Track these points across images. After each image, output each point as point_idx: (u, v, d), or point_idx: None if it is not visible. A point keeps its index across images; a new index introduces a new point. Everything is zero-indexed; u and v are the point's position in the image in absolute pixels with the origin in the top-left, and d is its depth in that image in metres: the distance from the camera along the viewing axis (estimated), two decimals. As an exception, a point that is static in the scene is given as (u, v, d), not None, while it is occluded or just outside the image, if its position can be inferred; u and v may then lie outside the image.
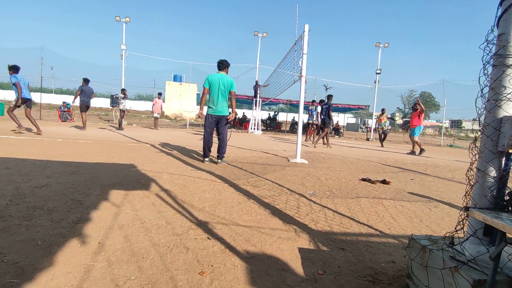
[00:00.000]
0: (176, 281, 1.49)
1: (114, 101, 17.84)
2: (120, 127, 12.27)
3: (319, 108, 11.05)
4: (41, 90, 16.34)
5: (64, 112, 15.55)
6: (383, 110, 13.44)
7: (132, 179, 3.45)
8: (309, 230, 2.29)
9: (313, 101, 13.73)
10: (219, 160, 4.98)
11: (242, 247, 1.93)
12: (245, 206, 2.77)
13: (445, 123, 22.79)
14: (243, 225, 2.30)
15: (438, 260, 1.42)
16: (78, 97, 9.98)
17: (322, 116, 10.45)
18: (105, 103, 36.01)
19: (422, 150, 9.39)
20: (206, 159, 5.06)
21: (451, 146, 16.96)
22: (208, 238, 2.02)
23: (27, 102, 8.16)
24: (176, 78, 31.14)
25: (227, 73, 5.16)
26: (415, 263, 1.57)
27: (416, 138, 9.69)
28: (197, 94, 30.26)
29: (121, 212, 2.36)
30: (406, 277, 1.67)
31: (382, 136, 12.97)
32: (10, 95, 38.09)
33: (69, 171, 3.61)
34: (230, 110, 5.12)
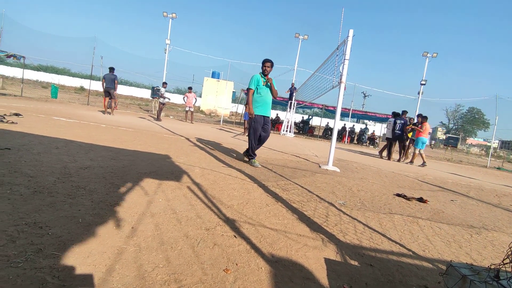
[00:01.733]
0: (201, 274, 1.52)
1: (155, 92, 18.71)
2: (158, 118, 12.83)
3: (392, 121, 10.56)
4: (91, 77, 17.58)
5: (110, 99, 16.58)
6: (410, 120, 11.47)
7: (166, 169, 3.58)
8: (337, 241, 2.22)
9: (394, 112, 12.26)
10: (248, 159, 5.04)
11: (267, 249, 1.92)
12: (273, 209, 2.75)
13: (494, 143, 20.94)
14: (269, 228, 2.29)
15: (480, 293, 1.30)
16: (104, 84, 11.29)
17: (396, 131, 10.17)
18: (146, 94, 37.87)
19: (423, 164, 9.41)
20: (253, 159, 4.93)
21: (499, 168, 15.54)
22: (235, 236, 2.04)
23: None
24: (214, 75, 31.88)
25: (262, 71, 5.00)
26: (452, 292, 1.46)
27: (422, 150, 9.72)
28: (233, 92, 30.72)
29: (154, 201, 2.46)
30: (441, 306, 1.55)
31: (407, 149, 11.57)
32: (63, 80, 41.50)
33: (110, 156, 3.84)
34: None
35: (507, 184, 8.18)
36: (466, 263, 1.60)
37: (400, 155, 10.69)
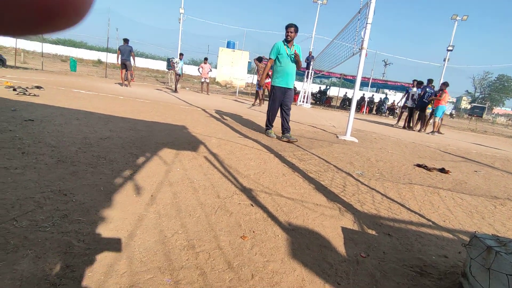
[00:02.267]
0: (219, 241, 1.55)
1: (170, 64, 18.56)
2: (175, 90, 12.84)
3: (414, 90, 10.13)
4: (107, 50, 17.58)
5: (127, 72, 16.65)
6: (429, 81, 10.45)
7: (183, 140, 3.61)
8: (354, 211, 2.20)
9: (415, 80, 11.08)
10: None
11: (284, 218, 1.93)
12: (289, 178, 2.74)
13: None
14: (286, 197, 2.29)
15: (506, 265, 1.26)
16: (120, 55, 11.05)
17: (424, 100, 9.73)
18: (162, 65, 37.75)
19: (438, 132, 9.32)
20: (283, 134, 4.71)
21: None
22: (251, 205, 2.06)
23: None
24: (230, 45, 31.07)
25: (286, 38, 4.57)
26: (475, 263, 1.42)
27: (438, 118, 9.47)
28: (248, 62, 30.02)
29: (171, 170, 2.50)
30: (461, 276, 1.52)
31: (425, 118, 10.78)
32: (81, 53, 41.87)
33: (128, 127, 3.90)
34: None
35: (537, 155, 7.76)
36: (492, 234, 1.55)
37: (421, 125, 10.29)
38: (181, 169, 2.56)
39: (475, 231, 1.54)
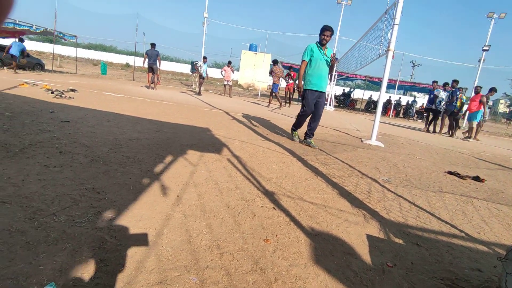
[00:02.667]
0: (242, 243, 1.57)
1: (194, 67, 18.99)
2: (198, 93, 13.13)
3: (442, 93, 9.76)
4: (135, 54, 18.32)
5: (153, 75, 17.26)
6: (454, 83, 9.73)
7: (207, 142, 3.69)
8: (380, 218, 2.14)
9: (435, 81, 10.96)
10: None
11: (307, 223, 1.91)
12: (312, 183, 2.72)
13: None
14: (309, 201, 2.27)
15: (548, 282, 1.18)
16: (147, 59, 11.50)
17: (454, 104, 9.38)
18: (186, 69, 38.72)
19: (475, 139, 8.89)
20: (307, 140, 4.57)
21: None
22: (274, 208, 2.06)
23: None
24: (252, 48, 31.28)
25: (320, 40, 4.35)
26: (511, 278, 1.34)
27: (475, 123, 8.99)
28: (270, 64, 30.03)
29: (196, 171, 2.56)
30: (496, 291, 1.44)
31: (454, 122, 10.18)
32: (111, 57, 43.92)
33: (155, 128, 4.04)
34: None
35: None
36: (531, 248, 1.45)
37: (450, 130, 9.82)
38: (205, 171, 2.61)
39: (511, 245, 1.45)
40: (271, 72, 11.31)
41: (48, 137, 2.88)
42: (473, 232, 2.13)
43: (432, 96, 10.19)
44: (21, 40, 11.96)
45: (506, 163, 5.40)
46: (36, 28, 13.39)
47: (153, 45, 11.81)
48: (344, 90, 24.36)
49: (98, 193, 1.87)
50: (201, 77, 13.32)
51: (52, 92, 5.93)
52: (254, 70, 29.91)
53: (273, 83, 11.24)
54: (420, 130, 10.47)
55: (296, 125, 4.69)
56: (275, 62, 11.21)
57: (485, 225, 2.29)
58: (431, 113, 10.26)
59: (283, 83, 12.72)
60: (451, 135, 9.62)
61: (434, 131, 9.91)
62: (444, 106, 9.67)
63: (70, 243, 1.34)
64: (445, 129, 10.18)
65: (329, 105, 15.52)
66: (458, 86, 9.52)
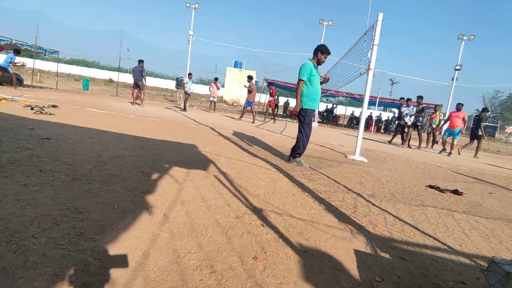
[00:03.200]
0: (231, 262, 1.54)
1: (179, 83, 19.01)
2: (184, 109, 13.11)
3: (404, 109, 10.27)
4: (119, 69, 18.20)
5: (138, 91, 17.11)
6: (436, 107, 11.51)
7: (194, 159, 3.66)
8: (367, 233, 2.17)
9: (402, 98, 11.94)
10: (291, 158, 4.40)
11: (296, 239, 1.91)
12: (299, 199, 2.73)
13: (537, 132, 19.34)
14: (296, 217, 2.28)
15: (528, 292, 1.22)
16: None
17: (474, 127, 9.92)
18: (171, 84, 38.68)
19: (446, 151, 9.34)
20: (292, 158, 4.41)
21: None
22: (262, 225, 2.05)
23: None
24: (237, 65, 31.82)
25: (318, 60, 4.38)
26: (494, 289, 1.38)
27: (456, 140, 9.57)
28: (255, 81, 30.51)
29: (183, 189, 2.53)
30: (480, 303, 1.48)
31: (432, 137, 11.36)
32: (94, 73, 43.35)
33: (139, 145, 3.98)
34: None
35: (552, 177, 7.56)
36: (510, 259, 1.51)
37: (407, 142, 10.37)
38: (193, 188, 2.58)
39: (493, 256, 1.50)
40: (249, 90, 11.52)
41: (28, 155, 2.78)
42: (455, 244, 2.19)
43: (399, 112, 10.77)
44: None
45: (482, 177, 5.64)
46: (16, 43, 13.10)
47: (140, 61, 11.84)
48: (327, 106, 25.01)
49: (81, 213, 1.80)
50: (186, 93, 13.36)
51: (32, 108, 5.75)
52: (240, 87, 30.27)
53: (247, 99, 11.50)
54: (399, 145, 10.80)
55: (302, 150, 4.37)
56: (250, 78, 11.48)
57: (466, 237, 2.37)
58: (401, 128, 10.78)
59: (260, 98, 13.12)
60: (419, 147, 10.14)
61: (408, 145, 10.29)
62: (410, 121, 10.09)
63: (51, 266, 1.27)
64: (423, 144, 10.61)
65: (313, 121, 15.84)
66: (436, 103, 10.12)
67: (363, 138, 6.06)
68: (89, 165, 2.77)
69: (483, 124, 9.69)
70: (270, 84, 14.07)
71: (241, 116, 12.12)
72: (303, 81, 4.23)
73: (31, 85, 14.69)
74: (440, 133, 12.24)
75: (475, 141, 9.92)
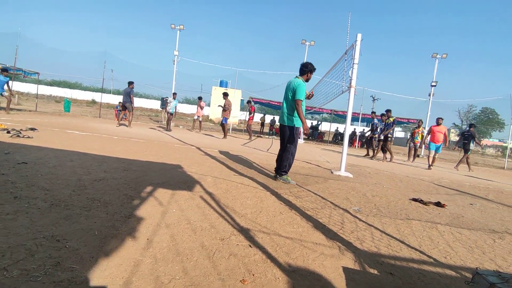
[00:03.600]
0: (218, 286, 1.49)
1: (164, 103, 18.97)
2: (168, 129, 13.00)
3: (376, 121, 10.69)
4: (102, 90, 18.01)
5: (120, 112, 16.91)
6: (419, 123, 12.16)
7: (179, 179, 3.59)
8: (354, 249, 2.17)
9: (374, 112, 12.72)
10: (278, 176, 4.36)
11: (284, 259, 1.88)
12: (287, 217, 2.71)
13: (510, 143, 20.32)
14: (284, 236, 2.25)
15: (512, 303, 1.24)
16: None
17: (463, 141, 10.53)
18: (155, 104, 38.51)
19: (430, 166, 9.45)
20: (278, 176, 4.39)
21: (517, 169, 15.04)
22: (250, 246, 2.01)
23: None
24: (222, 84, 32.16)
25: (307, 79, 4.44)
26: (481, 302, 1.39)
27: (437, 154, 9.74)
28: (241, 100, 30.91)
29: (168, 211, 2.46)
30: (468, 316, 1.48)
31: (413, 151, 11.86)
32: (76, 94, 42.68)
33: (123, 167, 3.88)
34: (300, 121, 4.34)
35: (528, 186, 7.89)
36: (494, 270, 1.53)
37: (376, 153, 10.69)
38: (178, 210, 2.52)
39: (476, 268, 1.53)
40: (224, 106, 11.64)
41: (1, 181, 2.65)
42: (440, 257, 2.22)
43: (372, 125, 11.27)
44: None
45: (462, 188, 5.81)
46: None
47: (130, 83, 11.73)
48: (312, 123, 25.46)
49: (58, 241, 1.72)
50: (168, 112, 13.29)
51: (8, 132, 5.55)
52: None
53: (224, 116, 11.60)
54: (380, 160, 11.04)
55: (288, 168, 4.37)
56: (225, 95, 11.63)
57: (450, 249, 2.40)
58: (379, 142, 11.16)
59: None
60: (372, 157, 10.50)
61: (377, 158, 10.66)
62: (382, 134, 10.35)
63: (24, 301, 1.19)
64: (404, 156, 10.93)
65: (299, 137, 16.05)
66: (417, 118, 10.57)
67: (348, 154, 6.16)
68: (69, 190, 2.67)
69: (476, 138, 10.42)
70: (249, 101, 14.24)
71: (225, 135, 12.10)
72: (302, 100, 4.22)
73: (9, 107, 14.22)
74: (421, 147, 12.73)
75: (465, 154, 10.52)
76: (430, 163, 9.55)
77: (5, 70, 11.39)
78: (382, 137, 10.29)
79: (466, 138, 10.43)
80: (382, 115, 10.68)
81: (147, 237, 1.94)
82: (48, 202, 2.30)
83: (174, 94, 13.84)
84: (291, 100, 4.26)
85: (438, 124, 9.83)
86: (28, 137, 5.40)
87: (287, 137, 4.35)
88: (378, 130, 10.72)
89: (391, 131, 10.19)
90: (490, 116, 55.37)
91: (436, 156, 9.79)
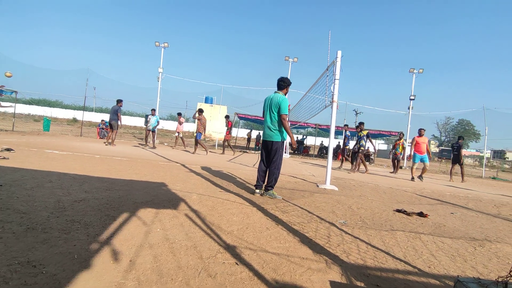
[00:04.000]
0: (204, 307, 1.45)
1: (148, 120, 18.77)
2: (149, 145, 12.84)
3: (348, 133, 10.94)
4: (84, 108, 17.67)
5: (103, 130, 16.59)
6: (401, 135, 12.54)
7: (163, 198, 3.53)
8: (341, 262, 2.17)
9: (346, 125, 13.23)
10: (264, 192, 4.35)
11: (271, 275, 1.86)
12: (274, 232, 2.70)
13: (486, 153, 21.24)
14: (271, 252, 2.23)
15: (492, 309, 1.27)
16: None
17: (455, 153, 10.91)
18: (140, 122, 38.02)
19: (421, 178, 9.54)
20: (257, 190, 4.37)
21: (494, 178, 15.67)
22: (236, 263, 1.98)
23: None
24: (208, 100, 32.24)
25: (285, 93, 4.54)
26: (463, 310, 1.42)
27: (427, 165, 9.81)
28: (226, 115, 30.98)
29: (151, 231, 2.40)
30: (453, 325, 1.50)
31: (396, 162, 12.24)
32: (56, 112, 41.60)
33: (105, 187, 3.78)
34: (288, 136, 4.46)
35: (504, 194, 8.22)
36: (473, 277, 1.57)
37: (356, 166, 10.76)
38: (162, 229, 2.46)
39: (457, 276, 1.56)
40: (196, 118, 11.74)
41: (-26, 205, 2.52)
42: (424, 266, 2.25)
43: (344, 138, 11.57)
44: None
45: (443, 198, 5.98)
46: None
47: (118, 101, 11.59)
48: (297, 137, 25.76)
49: (35, 267, 1.63)
50: (149, 130, 13.12)
51: (-17, 153, 5.32)
52: (211, 122, 30.42)
53: (198, 132, 11.68)
54: (363, 172, 11.24)
55: (275, 182, 4.38)
56: (200, 111, 11.79)
57: (434, 258, 2.45)
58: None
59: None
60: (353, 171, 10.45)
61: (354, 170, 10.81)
62: (357, 146, 10.48)
63: (-5, 334, 1.12)
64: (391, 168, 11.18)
65: (285, 152, 16.17)
66: (398, 131, 10.92)
67: (333, 168, 6.25)
68: (47, 212, 2.56)
69: (462, 150, 10.94)
70: (227, 116, 14.29)
71: (206, 150, 12.11)
72: (288, 115, 4.33)
73: (-16, 128, 13.67)
74: (404, 159, 13.16)
75: (457, 166, 11.05)
76: (413, 174, 9.70)
77: None
78: (356, 149, 10.44)
79: (456, 150, 11.00)
80: (357, 127, 10.92)
81: (130, 259, 1.88)
82: (24, 226, 2.20)
83: (153, 110, 13.56)
84: (277, 115, 4.32)
85: (420, 135, 10.04)
86: (4, 158, 5.18)
87: (274, 152, 4.37)
88: (350, 141, 10.91)
89: (363, 143, 10.32)
90: (466, 128, 57.89)
91: (427, 168, 9.87)
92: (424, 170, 9.89)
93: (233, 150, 13.84)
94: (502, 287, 1.42)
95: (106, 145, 10.98)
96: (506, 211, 5.15)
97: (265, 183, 4.40)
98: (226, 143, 13.63)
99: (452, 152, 11.31)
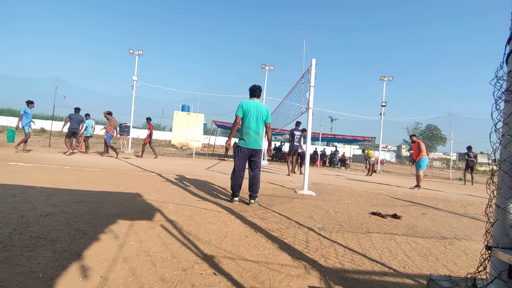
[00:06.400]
0: (180, 321, 1.40)
1: (122, 129, 18.19)
2: (69, 152, 11.77)
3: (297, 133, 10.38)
4: (53, 118, 16.82)
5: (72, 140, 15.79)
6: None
7: (138, 209, 3.40)
8: (320, 267, 2.18)
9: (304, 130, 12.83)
10: (252, 200, 4.26)
11: (250, 284, 1.83)
12: (252, 240, 2.67)
13: (452, 155, 22.50)
14: (250, 260, 2.21)
15: (462, 305, 1.32)
16: (68, 123, 10.97)
17: (295, 144, 10.16)
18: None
19: (418, 186, 8.85)
20: (236, 198, 4.32)
21: (460, 179, 16.60)
22: (214, 273, 1.94)
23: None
24: (184, 108, 31.89)
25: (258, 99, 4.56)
26: (436, 307, 1.47)
27: (421, 171, 8.98)
28: (204, 123, 30.77)
29: (125, 244, 2.30)
30: (427, 323, 1.55)
31: (369, 166, 13.45)
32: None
33: (74, 199, 3.58)
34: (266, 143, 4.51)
35: (470, 194, 8.71)
36: (445, 275, 1.64)
37: (296, 168, 10.84)
38: (136, 242, 2.36)
39: (430, 274, 1.62)
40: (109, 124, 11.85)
41: None
42: (399, 267, 2.32)
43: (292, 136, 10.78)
44: None
45: (414, 199, 6.24)
46: None
47: (77, 109, 11.20)
48: (275, 144, 25.97)
49: (-7, 289, 1.50)
50: (86, 136, 12.61)
51: None
52: (188, 130, 30.05)
53: (108, 134, 11.77)
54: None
55: (235, 187, 4.34)
56: (109, 113, 11.83)
57: (408, 258, 2.53)
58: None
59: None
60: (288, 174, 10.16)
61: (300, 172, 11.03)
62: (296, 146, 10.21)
63: None
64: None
65: (263, 159, 16.22)
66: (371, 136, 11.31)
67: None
68: (8, 229, 2.38)
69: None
70: (149, 118, 13.83)
71: (116, 153, 12.09)
72: (239, 117, 4.35)
73: None
74: (378, 162, 13.84)
75: (468, 172, 12.96)
76: (417, 183, 8.96)
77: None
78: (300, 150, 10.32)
79: (474, 157, 12.99)
80: (304, 130, 10.22)
81: (101, 275, 1.77)
82: (-19, 245, 2.02)
83: (87, 115, 12.95)
84: (262, 124, 4.40)
85: (412, 142, 9.43)
86: (-39, 172, 4.79)
87: (257, 158, 4.41)
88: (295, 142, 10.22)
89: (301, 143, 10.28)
90: (434, 132, 61.11)
91: (421, 174, 8.96)
92: (416, 178, 9.03)
93: (155, 154, 13.70)
94: (471, 283, 1.48)
95: (69, 155, 10.47)
96: (472, 210, 5.45)
97: (251, 191, 4.32)
98: (145, 146, 13.75)
99: (468, 159, 12.97)
